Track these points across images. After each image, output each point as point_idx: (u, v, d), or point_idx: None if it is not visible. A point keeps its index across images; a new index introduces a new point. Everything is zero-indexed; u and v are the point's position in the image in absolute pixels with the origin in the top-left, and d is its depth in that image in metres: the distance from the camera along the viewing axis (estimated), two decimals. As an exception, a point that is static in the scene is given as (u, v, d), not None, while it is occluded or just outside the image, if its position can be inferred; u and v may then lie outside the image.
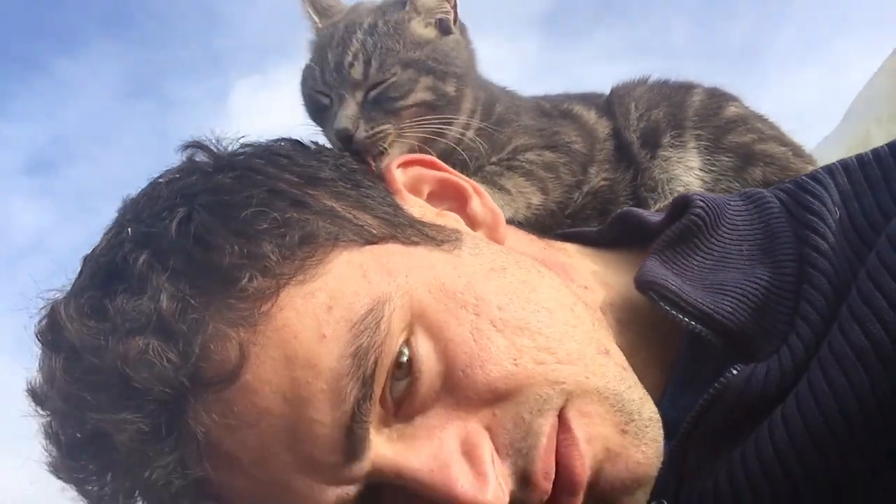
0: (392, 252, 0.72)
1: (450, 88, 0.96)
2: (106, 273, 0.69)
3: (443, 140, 0.96)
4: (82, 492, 0.68)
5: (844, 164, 0.80)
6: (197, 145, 0.83)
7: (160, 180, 0.79)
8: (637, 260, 0.84)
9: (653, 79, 1.11)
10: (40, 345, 0.69)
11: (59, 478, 0.69)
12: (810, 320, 0.70)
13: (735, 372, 0.70)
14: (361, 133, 0.89)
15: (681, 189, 0.99)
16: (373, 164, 0.89)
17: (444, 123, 0.95)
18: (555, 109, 1.06)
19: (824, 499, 0.65)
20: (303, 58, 1.01)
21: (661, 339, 0.80)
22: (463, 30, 1.04)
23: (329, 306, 0.66)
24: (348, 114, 0.90)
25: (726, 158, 1.01)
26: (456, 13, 1.01)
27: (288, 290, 0.66)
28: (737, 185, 1.01)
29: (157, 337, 0.62)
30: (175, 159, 0.82)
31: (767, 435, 0.66)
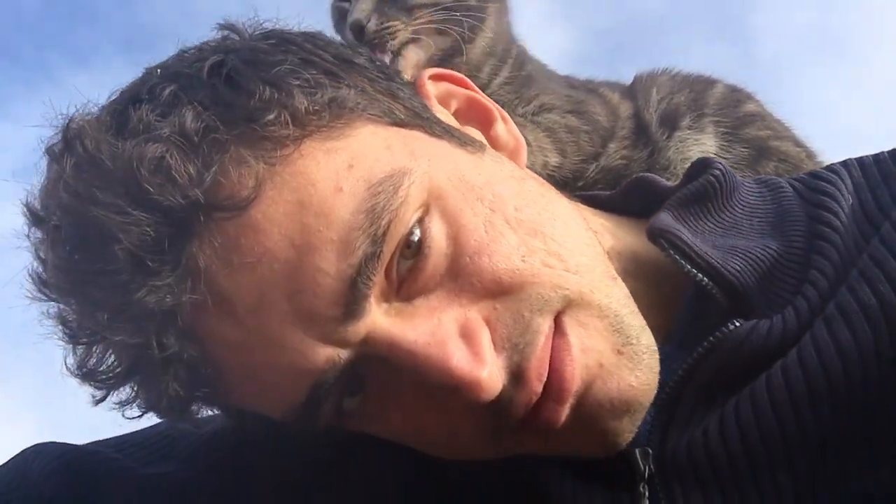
0: (417, 137, 0.71)
1: (461, 16, 0.96)
2: (130, 97, 0.67)
3: (459, 59, 0.96)
4: (65, 306, 0.65)
5: (860, 160, 0.81)
6: (231, 27, 0.82)
7: (191, 49, 0.77)
8: (646, 225, 0.84)
9: (676, 70, 1.13)
10: (49, 158, 0.67)
11: (40, 294, 0.66)
12: (819, 285, 0.69)
13: (734, 325, 0.69)
14: (373, 25, 0.90)
15: None
16: (387, 60, 0.89)
17: (459, 34, 0.95)
18: (582, 86, 1.08)
19: (813, 453, 0.63)
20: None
21: (664, 296, 0.79)
22: None
23: (350, 164, 0.65)
24: (362, 6, 0.92)
25: (742, 148, 1.03)
26: None
27: (311, 141, 0.65)
28: (749, 175, 1.02)
29: (177, 148, 0.60)
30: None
31: (764, 384, 0.65)
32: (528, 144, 0.96)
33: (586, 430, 0.68)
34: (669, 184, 0.87)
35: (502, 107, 0.98)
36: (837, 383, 0.61)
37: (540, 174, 0.96)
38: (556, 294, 0.67)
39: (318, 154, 0.65)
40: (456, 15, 0.95)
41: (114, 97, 0.71)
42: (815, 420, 0.62)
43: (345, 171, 0.64)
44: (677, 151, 1.02)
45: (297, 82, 0.67)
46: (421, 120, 0.73)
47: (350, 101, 0.69)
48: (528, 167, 0.93)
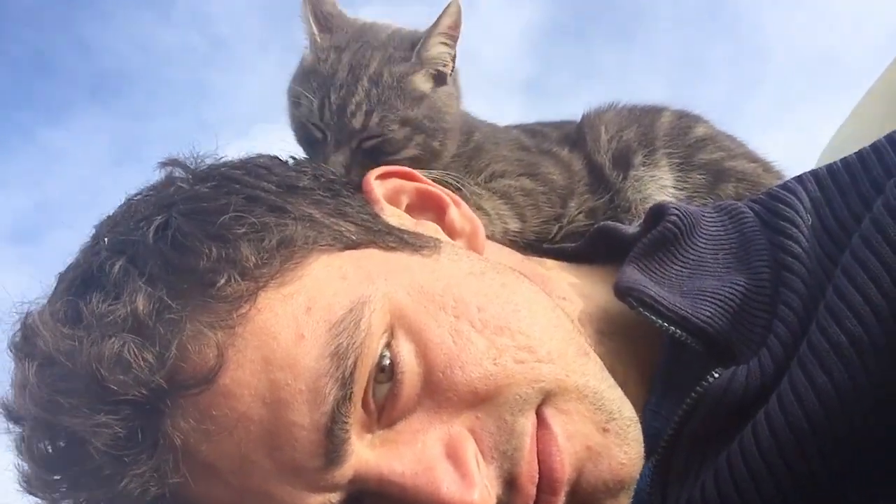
0: (371, 256, 0.72)
1: (436, 144, 0.98)
2: (81, 281, 0.68)
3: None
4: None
5: (814, 174, 0.81)
6: (175, 162, 0.83)
7: (137, 196, 0.79)
8: (615, 272, 0.84)
9: (622, 104, 1.13)
10: (13, 356, 0.67)
11: (31, 493, 0.67)
12: (788, 321, 0.70)
13: (715, 376, 0.70)
14: (353, 179, 0.90)
15: None
16: None
17: (431, 150, 0.97)
18: (534, 146, 1.08)
19: (810, 497, 0.64)
20: (288, 77, 1.02)
21: (641, 350, 0.80)
22: (456, 78, 1.07)
23: (308, 307, 0.65)
24: (341, 160, 0.92)
25: (698, 176, 1.03)
26: (454, 65, 1.03)
27: (266, 292, 0.65)
28: (710, 201, 1.02)
29: (133, 338, 0.61)
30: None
31: (751, 436, 0.65)
32: (487, 213, 0.96)
33: None
34: (630, 230, 0.87)
35: (453, 183, 0.99)
36: (820, 425, 0.62)
37: (502, 241, 0.97)
38: (534, 389, 0.67)
39: (274, 304, 0.65)
40: (422, 160, 0.97)
41: (67, 274, 0.72)
42: (805, 463, 0.63)
43: (304, 315, 0.65)
44: (635, 191, 1.02)
45: (243, 230, 0.68)
46: (373, 235, 0.74)
47: (299, 237, 0.69)
48: (489, 237, 0.94)
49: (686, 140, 1.05)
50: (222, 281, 0.64)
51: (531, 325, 0.71)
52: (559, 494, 0.67)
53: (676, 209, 0.84)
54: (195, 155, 0.84)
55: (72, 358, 0.62)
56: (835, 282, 0.65)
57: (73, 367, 0.61)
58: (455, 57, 1.02)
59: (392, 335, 0.67)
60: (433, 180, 0.99)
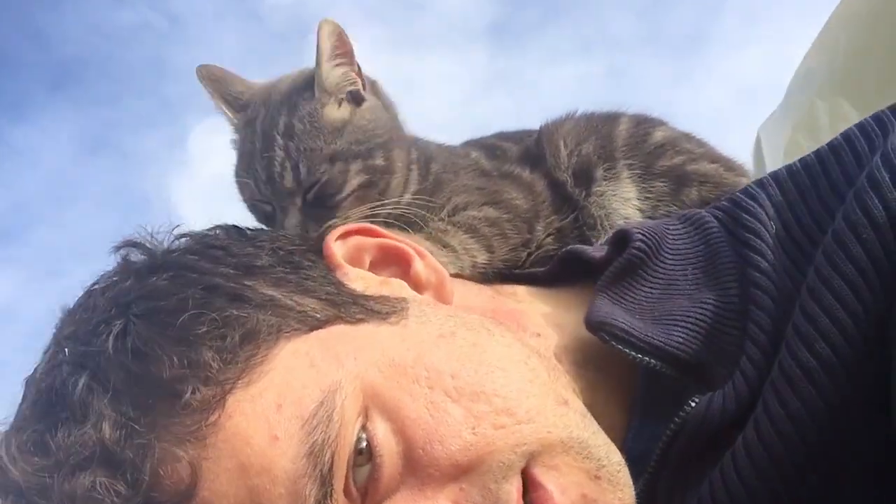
0: (338, 334, 0.71)
1: (379, 161, 0.97)
2: (46, 402, 0.67)
3: (387, 206, 0.96)
4: None
5: (775, 177, 0.81)
6: (130, 244, 0.82)
7: (95, 287, 0.78)
8: (586, 295, 0.85)
9: (579, 112, 1.11)
10: None
11: None
12: (758, 342, 0.71)
13: (693, 404, 0.71)
14: (309, 240, 0.89)
15: (620, 222, 1.00)
16: None
17: (381, 193, 0.96)
18: (494, 170, 1.07)
19: None
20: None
21: (619, 375, 0.81)
22: (375, 89, 1.05)
23: (278, 405, 0.65)
24: (294, 222, 0.91)
25: (660, 183, 1.02)
26: (362, 79, 1.01)
27: (234, 395, 0.65)
28: (675, 208, 1.02)
29: (104, 470, 0.61)
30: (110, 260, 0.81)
31: (731, 464, 0.67)
32: (454, 249, 0.95)
33: None
34: (597, 253, 0.87)
35: (414, 223, 0.98)
36: (797, 450, 0.64)
37: (471, 275, 0.96)
38: (517, 454, 0.67)
39: (243, 406, 0.64)
40: (372, 183, 0.96)
41: (31, 389, 0.71)
42: (786, 487, 0.65)
43: (275, 414, 0.64)
44: (599, 207, 1.01)
45: (203, 329, 0.67)
46: (338, 309, 0.73)
47: (262, 328, 0.68)
48: (457, 273, 0.93)
49: (645, 148, 1.04)
50: (188, 393, 0.63)
51: (507, 385, 0.70)
52: None
53: (640, 232, 0.83)
54: (150, 232, 0.83)
55: (44, 496, 0.61)
56: (801, 302, 0.66)
57: None
58: (360, 70, 1.01)
59: (367, 416, 0.66)
60: (396, 217, 0.99)
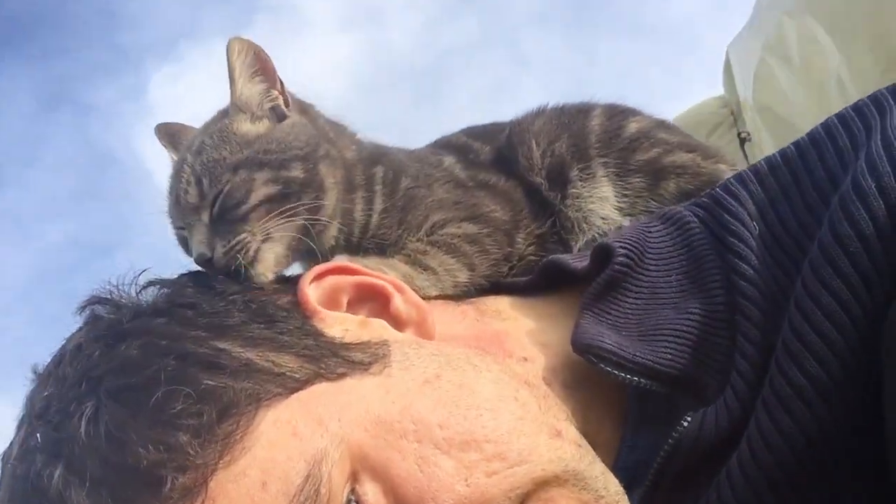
0: (319, 394, 0.69)
1: (296, 173, 0.91)
2: (22, 494, 0.66)
3: (320, 225, 0.91)
4: None
5: (755, 171, 0.79)
6: (96, 301, 0.79)
7: (65, 352, 0.75)
8: (571, 304, 0.83)
9: (549, 107, 1.08)
10: None
11: None
12: (748, 356, 0.70)
13: (687, 423, 0.71)
14: (219, 251, 0.85)
15: (598, 223, 0.97)
16: (252, 275, 0.85)
17: (307, 209, 0.90)
18: (470, 179, 1.03)
19: None
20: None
21: (610, 392, 0.80)
22: (305, 108, 1.00)
23: (263, 482, 0.63)
24: (199, 238, 0.86)
25: (637, 179, 1.00)
26: (285, 96, 0.97)
27: (216, 477, 0.63)
28: (654, 202, 0.99)
29: None
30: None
31: (727, 483, 0.68)
32: (434, 271, 0.92)
33: None
34: (579, 265, 0.85)
35: (391, 244, 0.95)
36: (790, 468, 0.64)
37: (451, 294, 0.94)
38: (510, 499, 0.67)
39: (227, 487, 0.62)
40: (289, 196, 0.89)
41: (8, 482, 0.69)
42: None
43: (260, 493, 0.62)
44: (577, 210, 0.98)
45: (179, 407, 0.65)
46: (317, 365, 0.71)
47: (240, 399, 0.66)
48: (436, 296, 0.91)
49: (619, 143, 1.01)
50: (168, 482, 0.61)
51: (496, 427, 0.69)
52: None
53: (622, 246, 0.81)
54: (115, 285, 0.80)
55: None
56: (790, 317, 0.65)
57: None
58: (283, 88, 0.97)
59: (356, 480, 0.65)
60: (371, 237, 0.95)
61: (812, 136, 0.76)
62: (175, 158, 0.97)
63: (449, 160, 1.05)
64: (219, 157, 0.89)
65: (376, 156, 1.01)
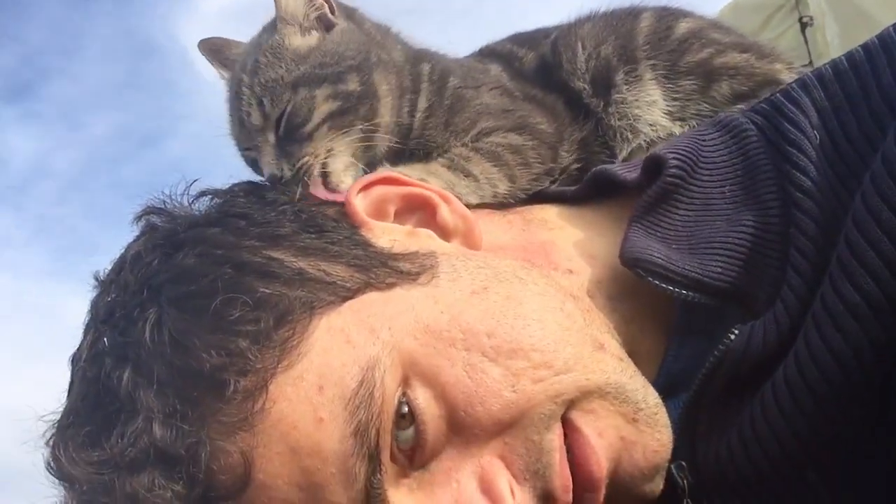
0: (370, 304, 0.71)
1: (352, 85, 0.92)
2: (95, 396, 0.70)
3: (378, 134, 0.92)
4: None
5: (819, 76, 0.76)
6: (151, 211, 0.82)
7: (125, 259, 0.78)
8: (620, 216, 0.83)
9: (601, 11, 1.05)
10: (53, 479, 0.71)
11: None
12: (801, 270, 0.69)
13: (734, 335, 0.71)
14: (287, 173, 0.87)
15: (646, 130, 0.96)
16: (325, 190, 0.87)
17: (365, 119, 0.91)
18: (517, 90, 1.01)
19: (832, 452, 0.67)
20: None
21: (656, 303, 0.80)
22: (351, 14, 0.99)
23: (320, 386, 0.66)
24: (268, 159, 0.88)
25: (688, 82, 0.97)
26: (331, 3, 0.95)
27: (276, 380, 0.66)
28: (706, 105, 0.97)
29: (160, 470, 0.63)
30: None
31: (771, 396, 0.67)
32: (476, 178, 0.93)
33: (625, 496, 0.73)
34: (629, 175, 0.85)
35: (437, 147, 0.95)
36: (838, 385, 0.63)
37: (491, 203, 0.94)
38: (556, 405, 0.70)
39: (286, 390, 0.66)
40: (348, 110, 0.90)
41: (78, 384, 0.73)
42: (827, 421, 0.65)
43: (317, 395, 0.66)
44: (621, 117, 0.96)
45: (237, 314, 0.68)
46: (367, 274, 0.73)
47: (295, 307, 0.69)
48: (476, 203, 0.92)
49: (669, 44, 0.98)
50: (231, 384, 0.65)
51: (543, 337, 0.71)
52: (600, 491, 0.70)
53: (675, 157, 0.79)
54: (168, 195, 0.83)
55: (107, 494, 0.65)
56: (847, 232, 0.64)
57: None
58: None
59: (407, 384, 0.68)
60: (416, 139, 0.96)
61: (882, 39, 0.71)
62: (223, 75, 0.97)
63: (496, 69, 1.03)
64: (276, 75, 0.90)
65: (422, 54, 1.00)
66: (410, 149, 0.96)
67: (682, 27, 0.99)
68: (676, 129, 0.96)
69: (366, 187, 0.82)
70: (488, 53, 1.07)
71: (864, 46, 0.73)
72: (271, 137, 0.89)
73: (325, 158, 0.88)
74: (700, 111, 0.97)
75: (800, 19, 2.94)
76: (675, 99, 0.97)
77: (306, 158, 0.88)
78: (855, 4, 2.66)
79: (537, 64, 1.03)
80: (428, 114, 0.96)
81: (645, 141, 0.96)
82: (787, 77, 0.96)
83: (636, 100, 0.97)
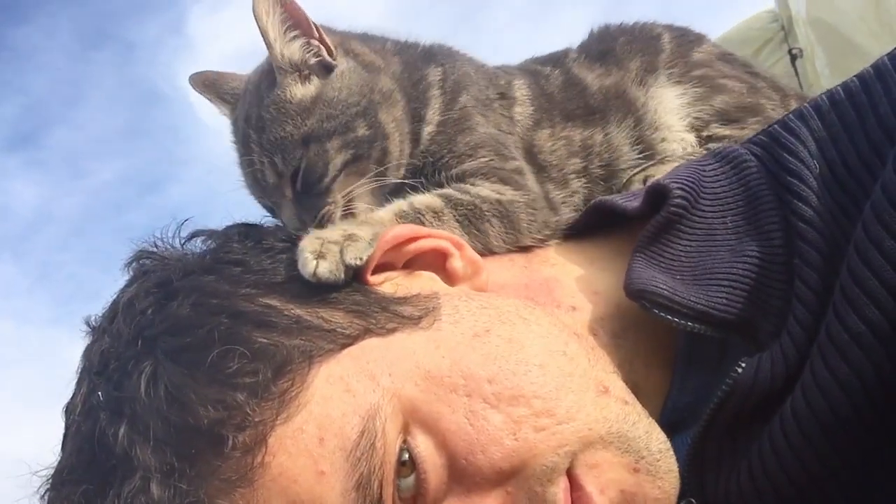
0: (370, 349, 0.70)
1: (361, 131, 0.90)
2: (89, 453, 0.68)
3: (391, 172, 0.91)
4: None
5: (816, 107, 0.76)
6: (142, 256, 0.80)
7: (118, 306, 0.76)
8: (621, 248, 0.82)
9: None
10: None
11: None
12: (806, 300, 0.68)
13: (741, 368, 0.69)
14: (310, 224, 0.85)
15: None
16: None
17: (379, 162, 0.90)
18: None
19: (843, 484, 0.65)
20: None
21: (659, 337, 0.79)
22: (346, 47, 0.97)
23: (320, 437, 0.64)
24: (289, 216, 0.87)
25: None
26: (326, 44, 0.93)
27: (275, 433, 0.64)
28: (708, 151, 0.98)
29: None
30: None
31: (780, 430, 0.66)
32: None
33: None
34: (630, 204, 0.84)
35: (442, 167, 0.93)
36: (847, 416, 0.62)
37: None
38: (559, 456, 0.67)
39: (286, 443, 0.64)
40: (360, 156, 0.89)
41: (73, 438, 0.71)
42: (836, 453, 0.64)
43: (318, 448, 0.64)
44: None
45: (235, 366, 0.66)
46: (366, 320, 0.71)
47: (294, 356, 0.67)
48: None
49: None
50: (230, 441, 0.63)
51: (545, 384, 0.69)
52: None
53: (679, 186, 0.79)
54: (160, 237, 0.81)
55: None
56: (849, 262, 0.63)
57: None
58: (321, 34, 0.92)
59: (408, 432, 0.66)
60: (423, 152, 0.93)
61: (877, 68, 0.71)
62: (222, 110, 0.95)
63: (519, 83, 1.03)
64: (284, 133, 0.88)
65: (432, 55, 0.99)
66: (421, 167, 0.95)
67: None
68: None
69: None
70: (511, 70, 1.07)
71: (860, 76, 0.73)
72: (288, 193, 0.88)
73: (345, 204, 0.88)
74: None
75: (789, 51, 2.97)
76: None
77: (327, 209, 0.87)
78: (843, 35, 2.69)
79: (564, 80, 1.04)
80: (438, 130, 0.94)
81: None
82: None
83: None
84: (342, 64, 0.94)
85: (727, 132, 1.02)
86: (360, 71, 0.95)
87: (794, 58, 2.94)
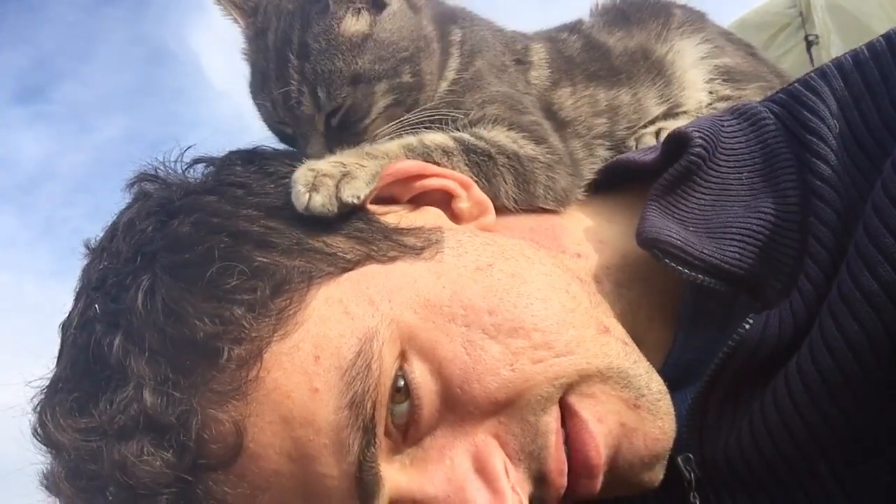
0: (370, 276, 0.69)
1: (406, 77, 0.88)
2: (84, 362, 0.67)
3: (418, 119, 0.89)
4: None
5: (839, 66, 0.75)
6: (144, 178, 0.80)
7: (118, 226, 0.76)
8: (633, 203, 0.81)
9: None
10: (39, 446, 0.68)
11: None
12: (819, 259, 0.67)
13: (749, 325, 0.69)
14: None
15: None
16: None
17: (410, 109, 0.88)
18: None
19: (844, 445, 0.65)
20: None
21: (663, 290, 0.79)
22: None
23: (316, 356, 0.64)
24: (317, 149, 0.84)
25: None
26: None
27: (271, 349, 0.64)
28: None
29: (149, 436, 0.61)
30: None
31: (784, 386, 0.66)
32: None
33: (623, 484, 0.71)
34: (648, 157, 0.83)
35: (446, 121, 0.92)
36: (854, 375, 0.62)
37: None
38: (555, 387, 0.67)
39: (281, 360, 0.64)
40: (400, 101, 0.87)
41: (68, 350, 0.71)
42: (840, 413, 0.64)
43: (313, 365, 0.64)
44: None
45: (233, 282, 0.65)
46: (368, 247, 0.71)
47: (293, 276, 0.66)
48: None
49: None
50: (225, 353, 0.62)
51: (546, 317, 0.69)
52: (597, 478, 0.68)
53: (700, 135, 0.78)
54: (162, 161, 0.81)
55: (94, 460, 0.62)
56: (865, 220, 0.63)
57: (97, 471, 0.62)
58: None
59: (404, 358, 0.66)
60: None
61: None
62: (241, 21, 0.91)
63: (537, 47, 1.01)
64: (333, 67, 0.85)
65: (454, 15, 0.98)
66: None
67: None
68: None
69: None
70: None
71: (886, 36, 0.72)
72: (321, 126, 0.86)
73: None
74: None
75: (805, 38, 2.94)
76: None
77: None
78: (860, 22, 2.66)
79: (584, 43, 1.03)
80: (449, 90, 0.92)
81: None
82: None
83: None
84: (394, 3, 0.92)
85: (727, 91, 1.02)
86: (409, 14, 0.93)
87: (809, 44, 2.92)
